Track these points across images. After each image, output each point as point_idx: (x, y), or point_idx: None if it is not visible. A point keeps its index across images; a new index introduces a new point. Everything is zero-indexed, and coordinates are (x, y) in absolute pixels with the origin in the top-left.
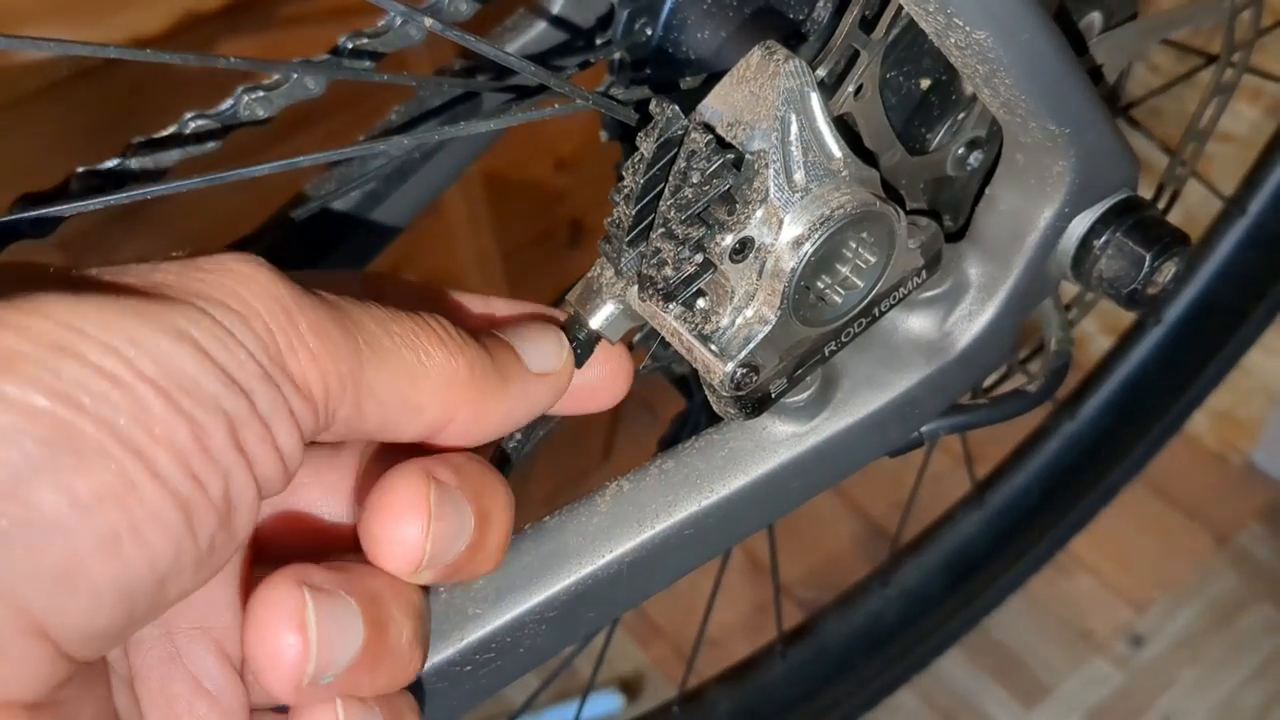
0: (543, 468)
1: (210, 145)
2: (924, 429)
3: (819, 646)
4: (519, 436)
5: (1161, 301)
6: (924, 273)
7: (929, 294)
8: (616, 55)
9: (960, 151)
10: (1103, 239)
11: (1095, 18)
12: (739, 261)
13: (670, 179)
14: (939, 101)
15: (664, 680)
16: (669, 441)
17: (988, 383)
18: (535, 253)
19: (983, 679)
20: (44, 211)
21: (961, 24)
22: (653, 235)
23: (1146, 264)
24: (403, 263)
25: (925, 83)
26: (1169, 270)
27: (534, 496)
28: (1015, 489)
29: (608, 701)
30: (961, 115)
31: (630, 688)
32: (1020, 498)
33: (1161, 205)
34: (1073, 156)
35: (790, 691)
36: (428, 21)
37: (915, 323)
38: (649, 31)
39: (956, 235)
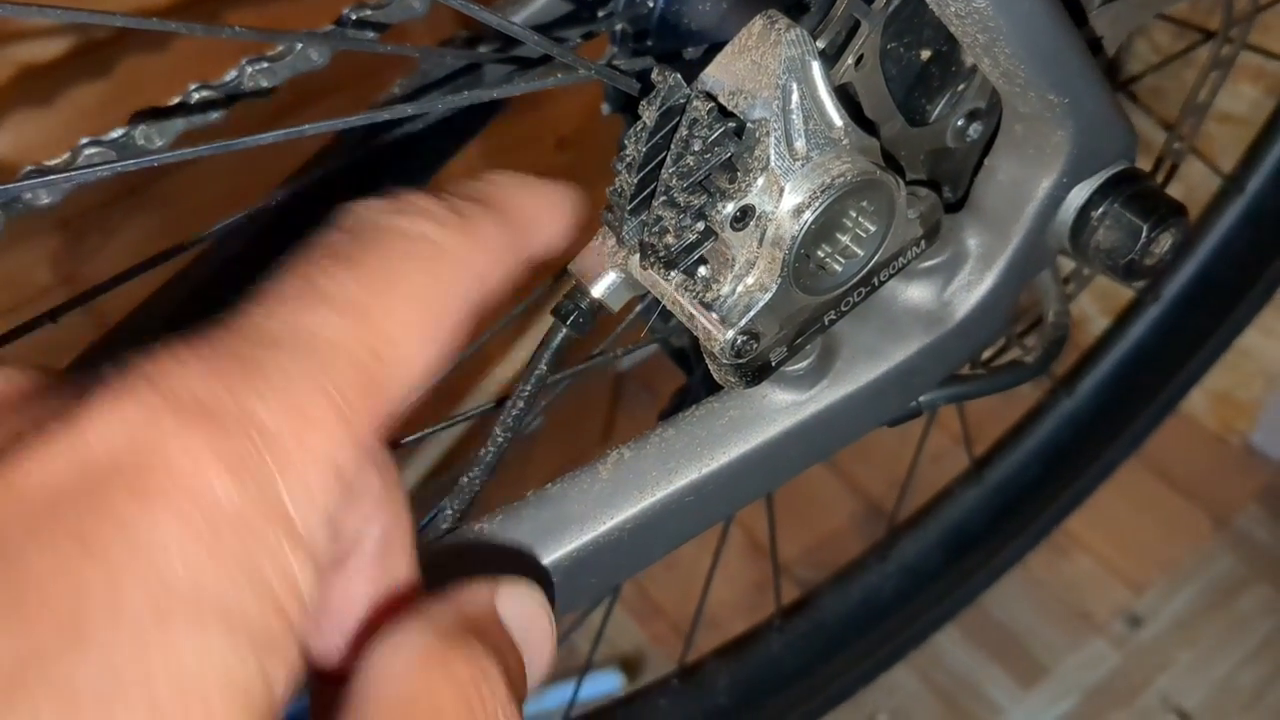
0: (542, 449)
1: (214, 116)
2: (922, 399)
3: (817, 621)
4: (521, 406)
5: (1159, 274)
6: (923, 242)
7: (928, 264)
8: (618, 26)
9: (960, 123)
10: (1100, 210)
11: None
12: (740, 229)
13: (672, 147)
14: (939, 73)
15: (664, 658)
16: (669, 416)
17: (985, 356)
18: None
19: (981, 659)
20: (50, 179)
21: None
22: (654, 203)
23: (1143, 235)
24: None
25: (926, 54)
26: (1166, 241)
27: (532, 478)
28: (1013, 466)
29: (608, 680)
30: (962, 86)
31: (630, 666)
32: (1018, 474)
33: (1159, 179)
34: (1071, 127)
35: (788, 665)
36: None
37: (914, 292)
38: (651, 2)
39: (956, 206)
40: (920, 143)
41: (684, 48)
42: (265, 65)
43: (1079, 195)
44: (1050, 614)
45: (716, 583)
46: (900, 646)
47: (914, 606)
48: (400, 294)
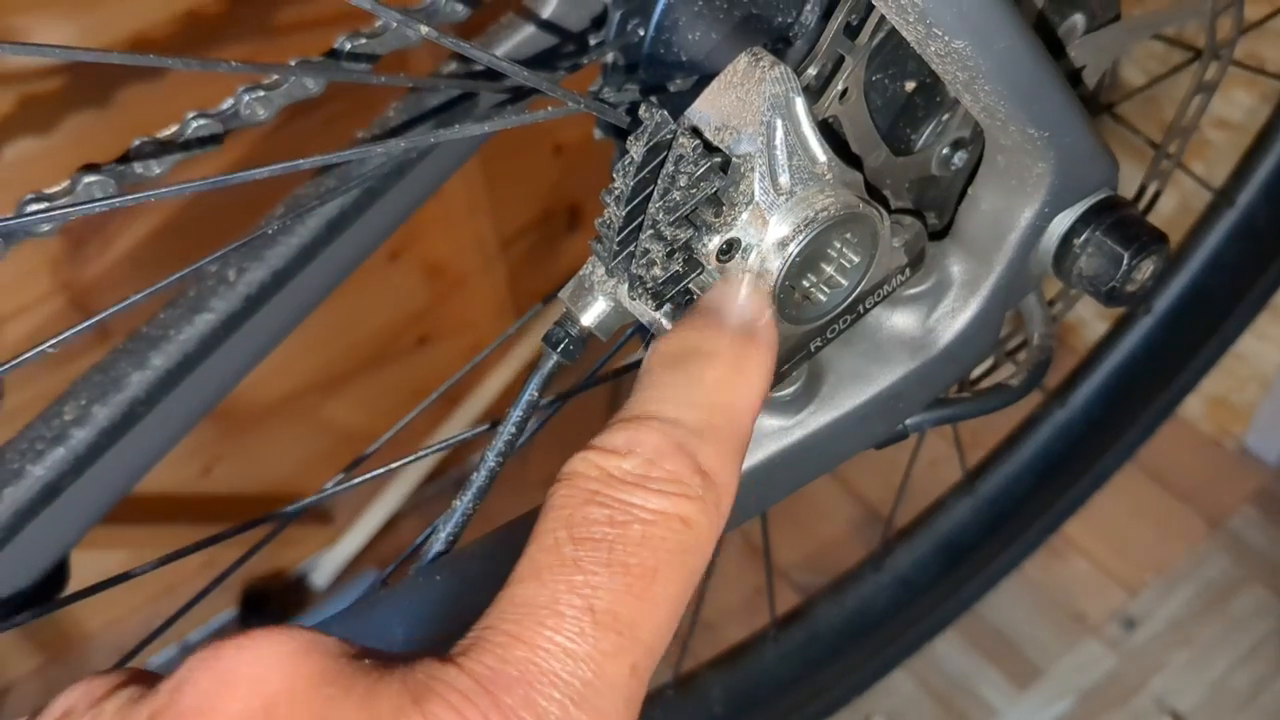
0: (540, 450)
1: (211, 145)
2: (909, 422)
3: (812, 631)
4: (512, 431)
5: (1140, 299)
6: (908, 270)
7: (913, 291)
8: (609, 56)
9: (944, 152)
10: (1082, 237)
11: (1078, 20)
12: (726, 261)
13: (659, 181)
14: (923, 103)
15: (660, 664)
16: None
17: (976, 373)
18: (533, 237)
19: (976, 661)
20: (51, 214)
21: (940, 34)
22: (642, 236)
23: (1125, 262)
24: (402, 248)
25: (910, 85)
26: (1148, 268)
27: (533, 479)
28: (1006, 476)
29: None
30: (946, 116)
31: None
32: (1011, 485)
33: (1147, 199)
34: (1052, 158)
35: (783, 675)
36: (423, 29)
37: (899, 319)
38: (641, 32)
39: (941, 233)
40: (905, 171)
41: (673, 78)
42: (262, 94)
43: (1062, 223)
44: (1045, 616)
45: (715, 587)
46: (895, 656)
47: (908, 616)
48: (658, 598)
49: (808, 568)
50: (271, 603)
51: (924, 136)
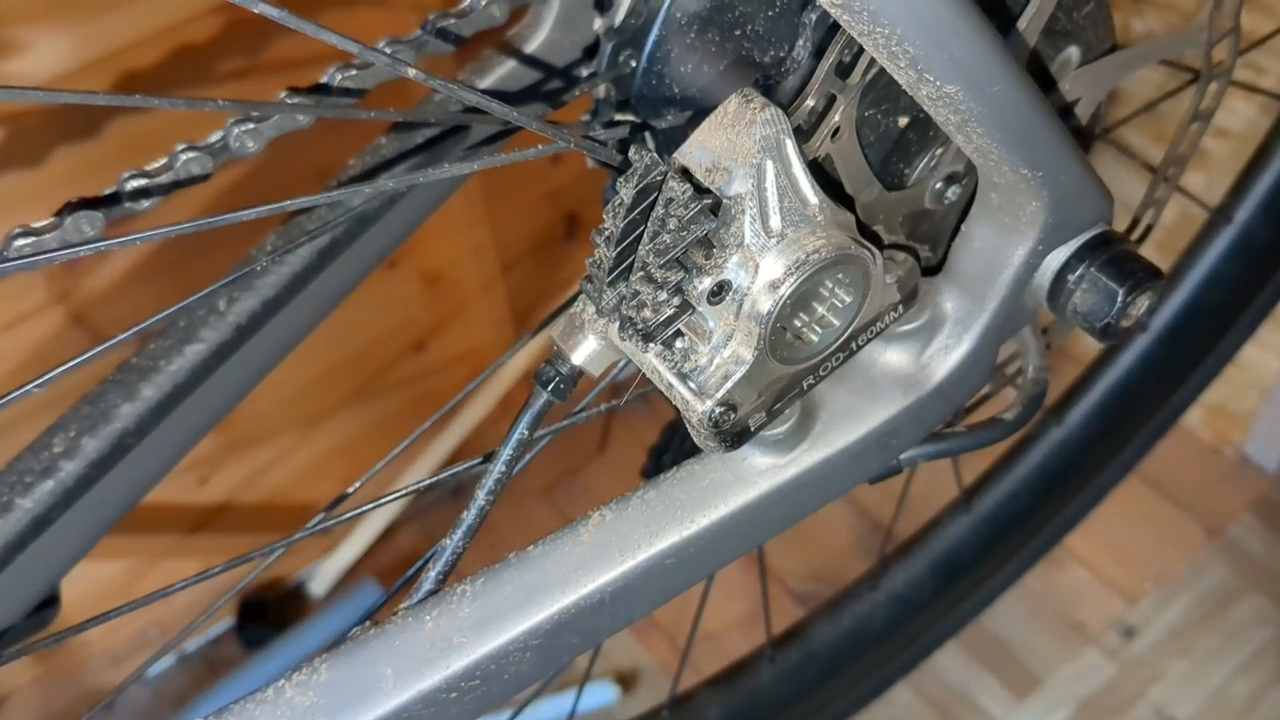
0: (540, 461)
1: (200, 180)
2: (902, 457)
3: (808, 650)
4: (502, 469)
5: (1135, 334)
6: (900, 307)
7: (906, 327)
8: (601, 87)
9: (938, 186)
10: (1077, 273)
11: (1073, 52)
12: (716, 303)
13: (649, 224)
14: (917, 138)
15: (660, 673)
16: (659, 450)
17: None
18: (531, 246)
19: (975, 670)
20: (36, 259)
21: (932, 79)
22: (632, 278)
23: (1120, 299)
24: (400, 256)
25: (903, 120)
26: (1142, 304)
27: (531, 489)
28: (1003, 494)
29: (604, 693)
30: (939, 151)
31: (626, 681)
32: (1008, 503)
33: (1145, 224)
34: (1046, 197)
35: (779, 695)
36: (410, 71)
37: (893, 355)
38: (633, 64)
39: (935, 267)
40: (899, 206)
41: (667, 112)
42: (251, 126)
43: (1056, 259)
44: (1044, 625)
45: (718, 599)
46: (892, 674)
47: (904, 635)
48: None
49: (809, 577)
50: (269, 611)
51: (918, 171)
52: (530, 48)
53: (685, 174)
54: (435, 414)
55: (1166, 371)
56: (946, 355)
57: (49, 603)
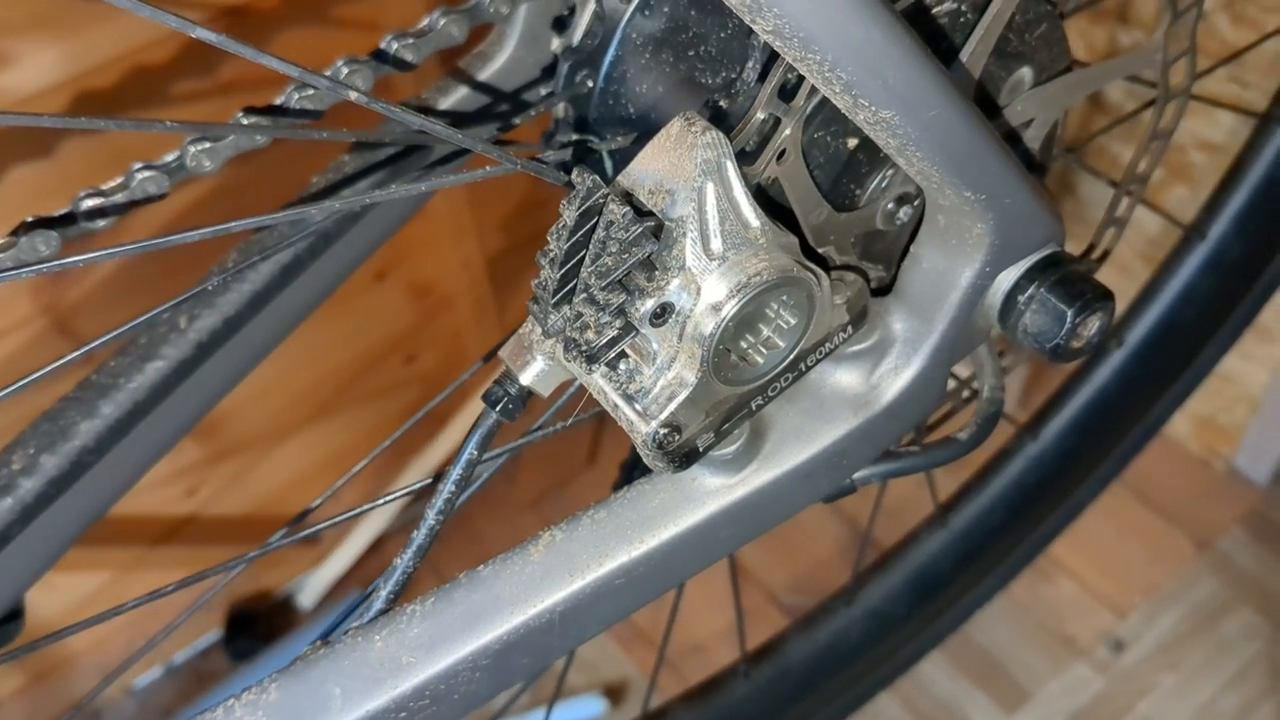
0: (529, 472)
1: (157, 199)
2: (856, 476)
3: (783, 666)
4: (451, 489)
5: (1086, 355)
6: (850, 328)
7: (856, 348)
8: (559, 106)
9: (890, 206)
10: (1026, 294)
11: (1025, 73)
12: (659, 325)
13: (591, 246)
14: (867, 159)
15: (629, 695)
16: (630, 465)
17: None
18: (519, 258)
19: (964, 684)
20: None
21: (867, 104)
22: (575, 300)
23: (1068, 320)
24: (389, 268)
25: (852, 142)
26: (1093, 325)
27: (520, 500)
28: (979, 509)
29: (590, 705)
30: (890, 172)
31: (614, 693)
32: (983, 518)
33: (1106, 243)
34: (991, 219)
35: (755, 710)
36: (353, 95)
37: (843, 376)
38: (590, 84)
39: (888, 287)
40: (850, 227)
41: (623, 131)
42: (208, 145)
43: (1006, 279)
44: (1033, 639)
45: (704, 610)
46: (868, 690)
47: (880, 651)
48: None
49: (797, 589)
50: (257, 623)
51: (869, 192)
52: (494, 66)
53: (628, 197)
54: (398, 430)
55: (1142, 386)
56: (896, 376)
57: (13, 616)
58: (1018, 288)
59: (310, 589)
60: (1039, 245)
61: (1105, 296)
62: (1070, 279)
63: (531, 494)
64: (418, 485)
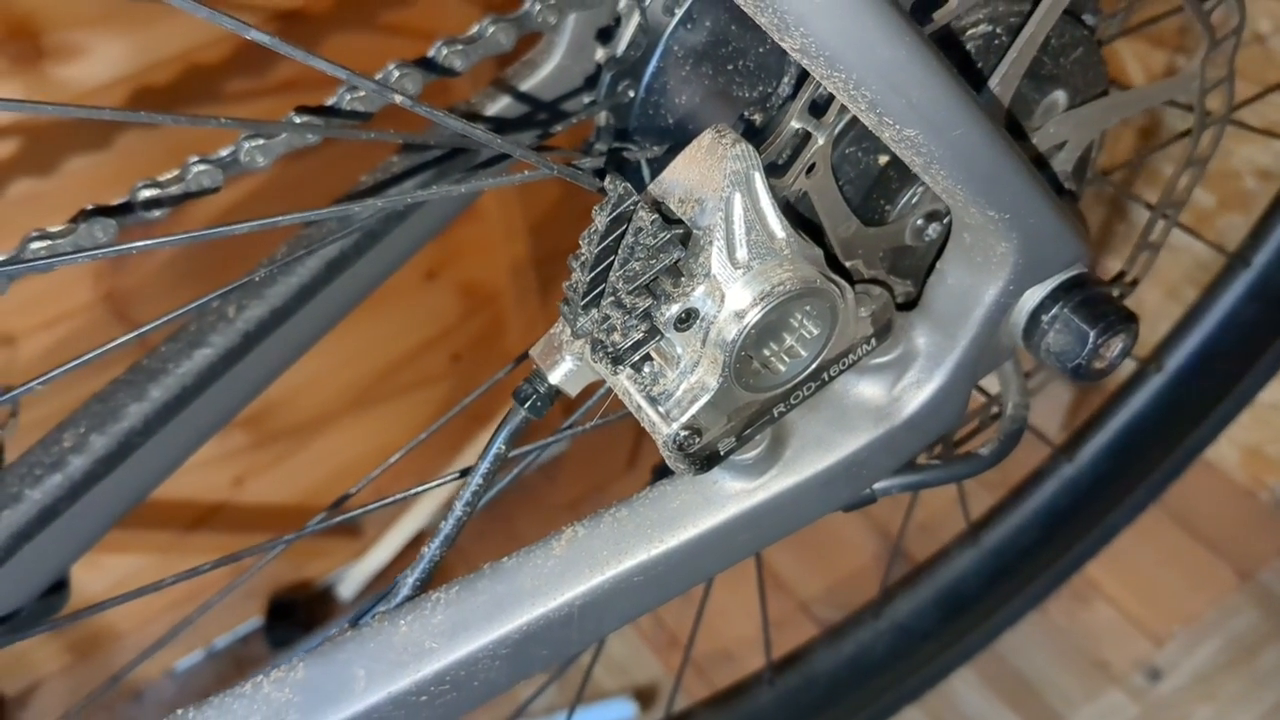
0: (568, 474)
1: (210, 191)
2: (876, 486)
3: (808, 675)
4: (479, 482)
5: (1106, 376)
6: (873, 340)
7: (880, 360)
8: (601, 114)
9: (919, 223)
10: (1050, 314)
11: (1059, 96)
12: (684, 330)
13: (619, 252)
14: (898, 175)
15: (681, 689)
16: (661, 470)
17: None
18: (567, 260)
19: (996, 705)
20: (50, 260)
21: (891, 122)
22: (603, 302)
23: (1090, 340)
24: (439, 268)
25: (883, 158)
26: (1115, 347)
27: (559, 501)
28: (1011, 529)
29: (621, 708)
30: (920, 189)
31: (645, 697)
32: (1015, 538)
33: (1139, 266)
34: (1015, 239)
35: (777, 718)
36: (397, 98)
37: (865, 387)
38: (631, 94)
39: (914, 302)
40: (879, 241)
41: (661, 141)
42: (261, 142)
43: (1032, 298)
44: (1068, 662)
45: (737, 618)
46: (892, 703)
47: (905, 665)
48: None
49: (831, 602)
50: (297, 612)
51: (899, 208)
52: (542, 73)
53: (658, 204)
54: (434, 424)
55: (1181, 412)
56: (918, 389)
57: (59, 587)
58: (1042, 307)
59: (351, 580)
60: (1065, 266)
61: (1128, 319)
62: (1094, 300)
63: (570, 495)
64: (450, 478)
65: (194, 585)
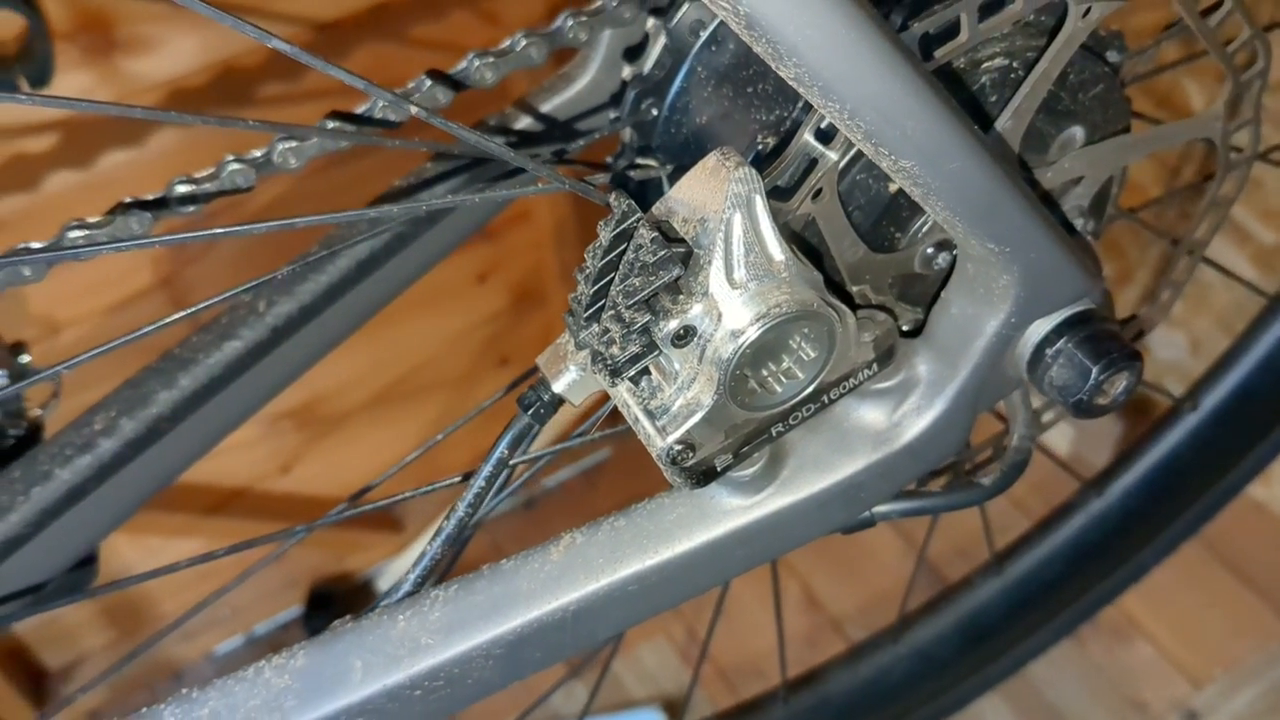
0: (610, 481)
1: (244, 189)
2: (876, 511)
3: (823, 695)
4: (481, 485)
5: (1108, 412)
6: (875, 365)
7: (881, 385)
8: (625, 130)
9: (929, 251)
10: (1055, 348)
11: (1076, 132)
12: (681, 346)
13: (621, 267)
14: (907, 204)
15: (707, 702)
16: None
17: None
18: None
19: None
20: (81, 250)
21: (887, 153)
22: (604, 316)
23: (1093, 376)
24: (490, 271)
25: (893, 186)
26: (1118, 384)
27: (601, 507)
28: (1036, 560)
29: (648, 719)
30: (930, 218)
31: (673, 707)
32: (1040, 569)
33: (1165, 298)
34: (1016, 273)
35: None
36: (413, 109)
37: (866, 412)
38: (655, 112)
39: (920, 329)
40: (887, 268)
41: (682, 158)
42: (294, 144)
43: (1037, 331)
44: (1104, 700)
45: (768, 633)
46: None
47: (922, 691)
48: None
49: (863, 621)
50: (336, 603)
51: (908, 236)
52: (575, 88)
53: (662, 222)
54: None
55: (1215, 452)
56: (918, 416)
57: (87, 562)
58: (1047, 340)
59: (391, 575)
60: (1071, 300)
61: (1132, 357)
62: (1099, 337)
63: (611, 502)
64: (446, 483)
65: (238, 570)
